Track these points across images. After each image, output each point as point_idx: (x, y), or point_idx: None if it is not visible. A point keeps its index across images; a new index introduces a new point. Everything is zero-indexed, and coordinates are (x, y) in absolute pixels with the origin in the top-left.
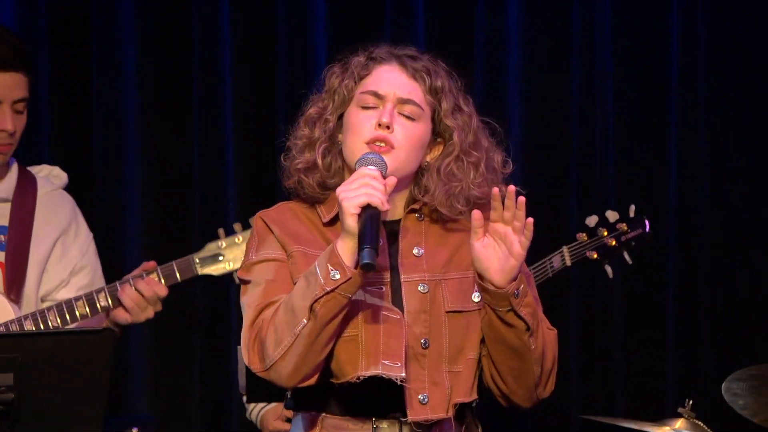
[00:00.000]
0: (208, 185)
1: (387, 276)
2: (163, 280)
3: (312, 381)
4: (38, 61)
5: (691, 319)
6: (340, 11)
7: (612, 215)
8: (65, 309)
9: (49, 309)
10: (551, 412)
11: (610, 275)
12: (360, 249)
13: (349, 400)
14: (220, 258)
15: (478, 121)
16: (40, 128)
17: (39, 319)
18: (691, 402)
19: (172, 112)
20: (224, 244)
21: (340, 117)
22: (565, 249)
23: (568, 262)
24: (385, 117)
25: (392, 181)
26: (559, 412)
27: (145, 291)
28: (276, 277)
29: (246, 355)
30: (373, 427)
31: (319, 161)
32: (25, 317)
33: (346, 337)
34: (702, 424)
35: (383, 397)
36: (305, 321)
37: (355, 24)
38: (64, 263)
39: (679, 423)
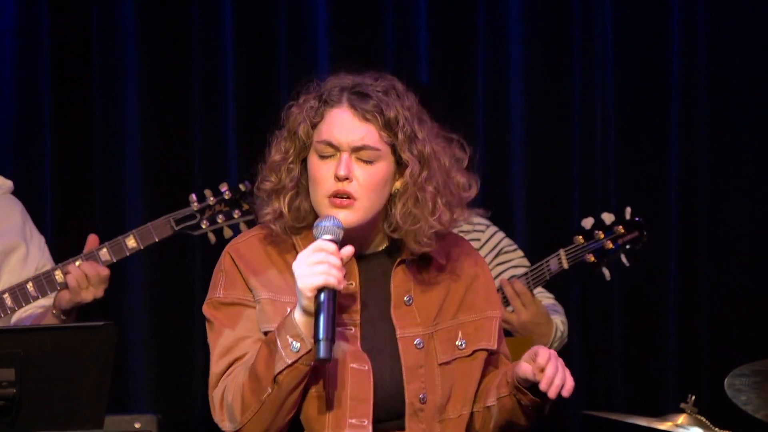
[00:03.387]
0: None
1: (356, 317)
2: (140, 242)
3: None
4: (40, 60)
5: (693, 315)
6: (342, 11)
7: (608, 217)
8: (44, 279)
9: (26, 281)
10: (553, 408)
11: (608, 278)
12: (315, 339)
13: None
14: (195, 217)
15: (437, 143)
16: (41, 128)
17: (18, 292)
18: (693, 397)
19: (173, 112)
20: (197, 206)
21: (304, 160)
22: (562, 252)
23: (565, 265)
24: (341, 170)
25: (349, 251)
26: (561, 408)
27: (88, 271)
28: (242, 328)
29: (214, 413)
30: None
31: (285, 210)
32: (3, 292)
33: (314, 393)
34: (704, 420)
35: None
36: (270, 390)
37: (356, 25)
38: (28, 262)
39: (682, 418)
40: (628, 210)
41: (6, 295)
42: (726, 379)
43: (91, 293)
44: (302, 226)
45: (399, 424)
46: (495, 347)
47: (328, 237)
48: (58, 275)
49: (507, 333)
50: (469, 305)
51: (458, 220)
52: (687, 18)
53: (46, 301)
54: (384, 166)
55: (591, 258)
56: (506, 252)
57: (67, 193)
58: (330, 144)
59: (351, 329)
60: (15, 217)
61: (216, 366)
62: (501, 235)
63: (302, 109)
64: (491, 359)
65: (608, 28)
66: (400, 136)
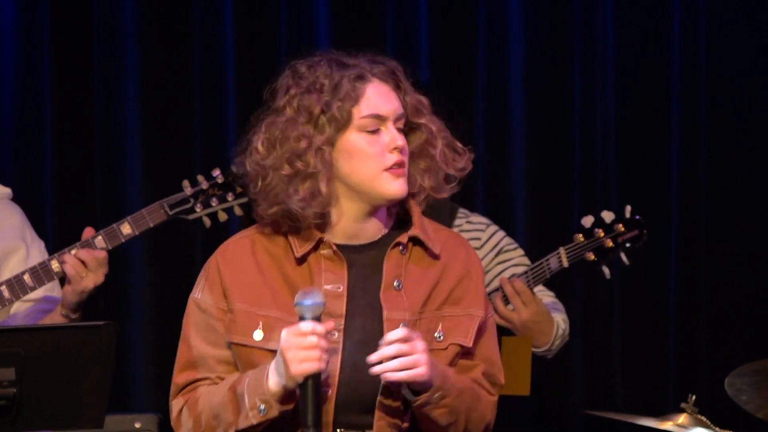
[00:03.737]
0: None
1: (341, 322)
2: (135, 228)
3: None
4: (40, 60)
5: (693, 315)
6: (342, 10)
7: (608, 215)
8: (40, 270)
9: (23, 272)
10: (555, 408)
11: (607, 276)
12: (304, 425)
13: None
14: (189, 202)
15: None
16: (41, 128)
17: (15, 283)
18: (694, 397)
19: (173, 112)
20: (190, 191)
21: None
22: (561, 250)
23: (565, 264)
24: (399, 140)
25: (329, 327)
26: (562, 408)
27: (84, 257)
28: (207, 342)
29: (171, 418)
30: None
31: (324, 190)
32: (0, 284)
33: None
34: (705, 419)
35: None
36: None
37: (357, 25)
38: (30, 263)
39: (682, 418)
40: (628, 208)
41: (3, 287)
42: (726, 379)
43: (91, 279)
44: (303, 224)
45: (370, 404)
46: (469, 344)
47: (312, 315)
48: (55, 264)
49: (508, 332)
50: (455, 300)
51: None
52: (687, 18)
53: (45, 293)
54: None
55: (591, 256)
56: (507, 251)
57: (68, 193)
58: (378, 116)
59: (334, 334)
60: (14, 220)
61: (178, 376)
62: (501, 234)
63: (336, 86)
64: (463, 358)
65: (608, 27)
66: (409, 100)
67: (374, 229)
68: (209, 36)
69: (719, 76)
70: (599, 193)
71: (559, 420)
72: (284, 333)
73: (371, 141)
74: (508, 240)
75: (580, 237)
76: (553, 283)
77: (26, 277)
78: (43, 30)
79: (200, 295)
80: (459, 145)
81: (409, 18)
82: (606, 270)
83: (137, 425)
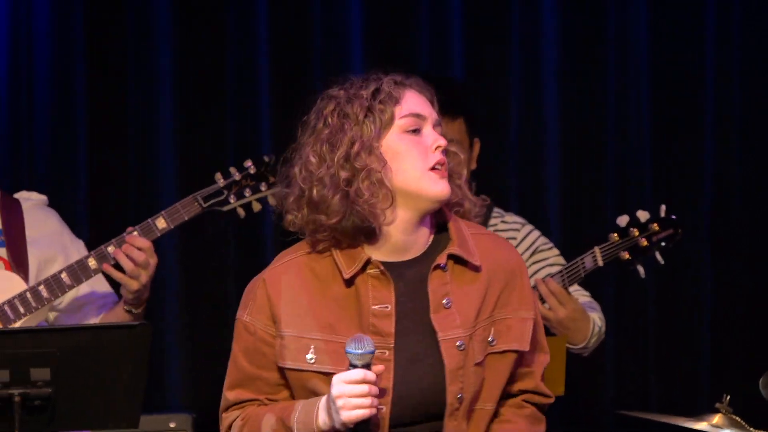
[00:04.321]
0: None
1: (390, 341)
2: (170, 222)
3: None
4: (74, 60)
5: (727, 314)
6: (377, 9)
7: (643, 215)
8: (77, 267)
9: (60, 271)
10: (587, 408)
11: (642, 275)
12: None
13: None
14: (222, 193)
15: None
16: (76, 128)
17: (52, 282)
18: (728, 397)
19: (207, 109)
20: (223, 183)
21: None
22: (596, 249)
23: (600, 263)
24: (441, 140)
25: (379, 369)
26: (594, 408)
27: (135, 255)
28: (256, 365)
29: (222, 429)
30: None
31: (386, 182)
32: (38, 284)
33: None
34: (739, 419)
35: None
36: None
37: (390, 24)
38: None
39: (717, 418)
40: (663, 208)
41: (41, 287)
42: (761, 379)
43: (144, 275)
44: (353, 242)
45: (436, 425)
46: (526, 349)
47: (362, 363)
48: (92, 262)
49: (546, 330)
50: (504, 303)
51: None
52: (721, 17)
53: (90, 289)
54: None
55: (626, 255)
56: (542, 251)
57: (102, 191)
58: (419, 116)
59: (385, 353)
60: (52, 226)
61: (228, 393)
62: (537, 233)
63: (377, 89)
64: (522, 360)
65: (642, 27)
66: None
67: (421, 242)
68: (242, 32)
69: (753, 74)
70: (633, 193)
71: (591, 420)
72: (335, 379)
73: (414, 141)
74: (543, 239)
75: (615, 236)
76: (586, 283)
77: (64, 275)
78: (77, 30)
79: (248, 318)
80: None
81: (443, 18)
82: (641, 269)
83: (172, 425)
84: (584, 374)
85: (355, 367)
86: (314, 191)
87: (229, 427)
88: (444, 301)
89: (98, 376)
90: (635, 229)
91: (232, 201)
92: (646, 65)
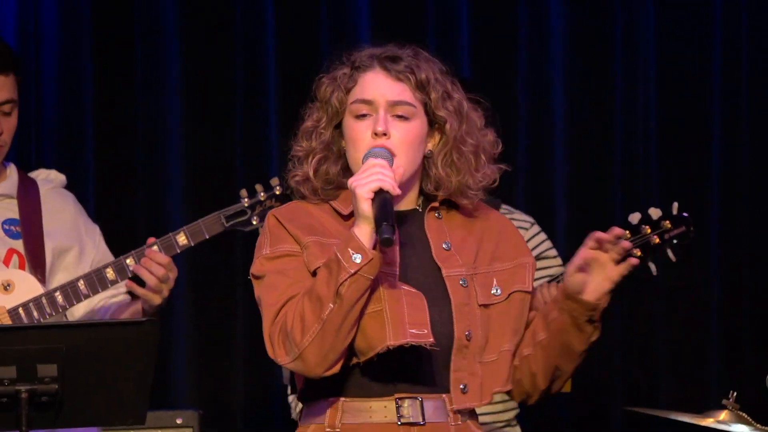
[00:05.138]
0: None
1: (396, 269)
2: (191, 239)
3: (337, 368)
4: (81, 59)
5: (735, 311)
6: (384, 9)
7: (655, 212)
8: (95, 277)
9: (77, 279)
10: (595, 405)
11: (654, 272)
12: (378, 226)
13: (369, 381)
14: (246, 213)
15: (468, 104)
16: (84, 127)
17: (69, 290)
18: (735, 394)
19: (215, 106)
20: (248, 202)
21: (338, 126)
22: None
23: None
24: (379, 125)
25: (400, 170)
26: (602, 404)
27: (154, 270)
28: (293, 272)
29: (270, 348)
30: (396, 406)
31: (311, 173)
32: (55, 290)
33: (372, 313)
34: (746, 416)
35: (403, 375)
36: (332, 305)
37: (398, 19)
38: (83, 260)
39: (723, 415)
40: (675, 205)
41: (57, 293)
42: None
43: (166, 288)
44: (331, 188)
45: (445, 360)
46: (530, 289)
47: (380, 159)
48: (110, 273)
49: None
50: (501, 255)
51: (496, 175)
52: (729, 15)
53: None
54: (419, 124)
55: (638, 252)
56: (546, 258)
57: (109, 190)
58: (365, 101)
59: (396, 272)
60: (68, 213)
61: (271, 308)
62: (543, 237)
63: (333, 77)
64: (532, 304)
65: (650, 25)
66: (434, 94)
67: (409, 198)
68: (250, 30)
69: (761, 73)
70: (640, 190)
71: (599, 416)
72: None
73: (359, 125)
74: (548, 245)
75: (626, 233)
76: None
77: (81, 284)
78: (85, 29)
79: (268, 249)
80: (488, 154)
81: (451, 14)
82: (652, 266)
83: (179, 421)
84: (592, 371)
85: None
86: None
87: (281, 328)
88: (443, 245)
89: (105, 373)
90: (647, 227)
91: (254, 222)
92: (654, 65)
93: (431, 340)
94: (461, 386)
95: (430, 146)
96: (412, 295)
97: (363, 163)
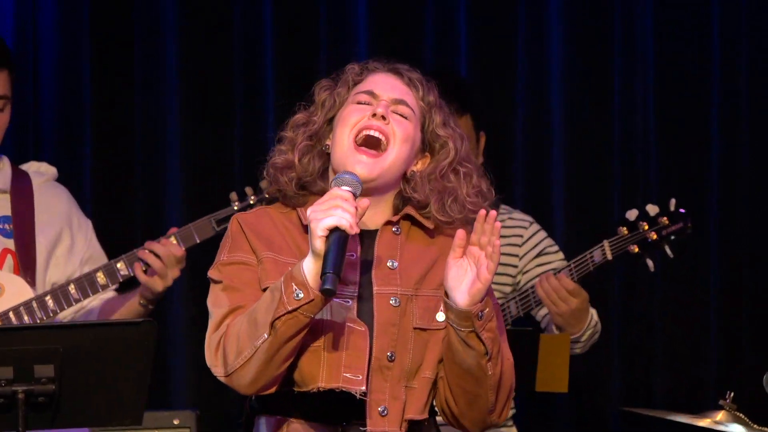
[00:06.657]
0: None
1: (355, 289)
2: (182, 243)
3: (271, 391)
4: (80, 59)
5: (733, 312)
6: (382, 8)
7: (652, 209)
8: (85, 281)
9: (68, 283)
10: (592, 405)
11: (652, 269)
12: (322, 273)
13: (314, 406)
14: None
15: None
16: (82, 125)
17: (59, 294)
18: (732, 394)
19: (213, 106)
20: (238, 205)
21: (329, 122)
22: (606, 243)
23: (609, 256)
24: (380, 108)
25: (365, 203)
26: (599, 405)
27: (161, 252)
28: (243, 282)
29: (208, 358)
30: None
31: (296, 160)
32: (45, 294)
33: (310, 348)
34: (743, 417)
35: (347, 405)
36: (266, 336)
37: (396, 20)
38: (73, 254)
39: (721, 415)
40: (673, 201)
41: (48, 297)
42: (765, 376)
43: (170, 277)
44: (308, 182)
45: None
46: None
47: (347, 188)
48: (100, 277)
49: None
50: None
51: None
52: (727, 14)
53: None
54: (415, 129)
55: (635, 249)
56: (547, 253)
57: (108, 190)
58: (369, 92)
59: (348, 302)
60: (60, 205)
61: (215, 316)
62: (543, 234)
63: (339, 76)
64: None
65: (648, 23)
66: (437, 117)
67: (377, 215)
68: (249, 27)
69: (761, 73)
70: (640, 187)
71: (596, 416)
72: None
73: (357, 108)
74: (549, 241)
75: (624, 230)
76: (594, 279)
77: (71, 288)
78: (83, 27)
79: (226, 256)
80: (483, 187)
81: (449, 14)
82: (650, 263)
83: (176, 422)
84: (589, 371)
85: None
86: (278, 154)
87: (219, 341)
88: (389, 263)
89: (102, 373)
90: (645, 223)
91: None
92: (653, 65)
93: (363, 388)
94: (380, 408)
95: (414, 168)
96: (357, 335)
97: (331, 186)
